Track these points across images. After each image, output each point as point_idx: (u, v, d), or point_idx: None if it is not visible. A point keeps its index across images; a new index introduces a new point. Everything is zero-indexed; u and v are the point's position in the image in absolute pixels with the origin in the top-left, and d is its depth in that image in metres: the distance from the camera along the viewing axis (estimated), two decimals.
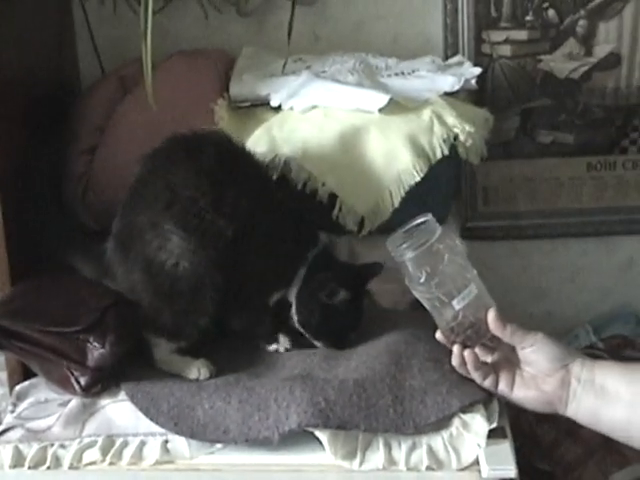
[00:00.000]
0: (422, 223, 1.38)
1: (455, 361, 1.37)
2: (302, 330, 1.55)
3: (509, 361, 1.37)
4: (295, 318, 1.55)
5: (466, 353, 1.36)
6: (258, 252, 1.51)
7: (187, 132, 1.53)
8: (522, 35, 2.02)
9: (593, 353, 1.86)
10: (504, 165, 2.09)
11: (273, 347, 1.56)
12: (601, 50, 2.03)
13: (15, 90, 1.71)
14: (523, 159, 2.09)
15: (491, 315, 1.35)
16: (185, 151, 1.51)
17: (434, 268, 1.35)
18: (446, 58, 1.98)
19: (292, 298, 1.54)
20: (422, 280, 1.36)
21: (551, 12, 2.01)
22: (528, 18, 2.01)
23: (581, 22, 2.01)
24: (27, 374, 1.59)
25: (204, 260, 1.47)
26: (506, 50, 2.03)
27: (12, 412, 1.51)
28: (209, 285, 1.48)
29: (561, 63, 2.03)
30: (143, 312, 1.50)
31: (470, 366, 1.36)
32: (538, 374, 1.34)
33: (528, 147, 2.09)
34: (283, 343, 1.56)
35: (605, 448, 1.68)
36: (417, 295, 1.38)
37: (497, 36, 2.02)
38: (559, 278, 2.17)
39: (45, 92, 1.87)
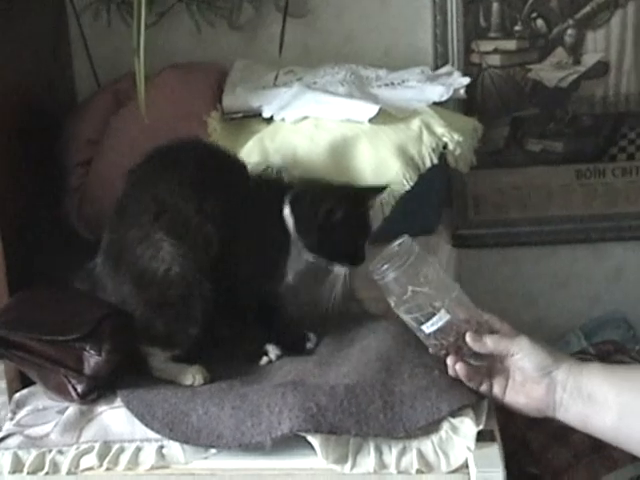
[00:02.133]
0: (400, 244, 1.41)
1: (451, 372, 1.40)
2: (315, 255, 1.56)
3: (503, 366, 1.38)
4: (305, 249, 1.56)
5: (457, 367, 1.38)
6: (246, 246, 1.54)
7: (166, 143, 1.57)
8: (511, 45, 2.05)
9: (584, 358, 1.87)
10: (494, 173, 2.11)
11: (264, 361, 1.58)
12: (589, 59, 2.06)
13: (10, 104, 1.73)
14: (513, 167, 2.12)
15: (468, 338, 1.38)
16: (166, 162, 1.55)
17: (403, 294, 1.39)
18: (436, 68, 2.01)
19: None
20: (392, 305, 1.41)
21: (539, 22, 2.03)
22: (517, 28, 2.04)
23: (569, 31, 2.04)
24: (26, 382, 1.61)
25: (193, 265, 1.50)
26: (495, 60, 2.06)
27: (11, 419, 1.53)
28: (198, 292, 1.51)
29: (550, 72, 2.06)
30: (136, 323, 1.52)
31: (463, 378, 1.38)
32: (526, 380, 1.35)
33: (518, 156, 2.11)
34: (272, 352, 1.58)
35: (594, 451, 1.69)
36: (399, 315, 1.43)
37: (486, 46, 2.05)
38: (550, 285, 2.19)
39: (41, 106, 1.90)
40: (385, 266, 1.39)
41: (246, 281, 1.56)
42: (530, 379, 1.34)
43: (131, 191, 1.56)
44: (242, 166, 1.61)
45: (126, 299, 1.53)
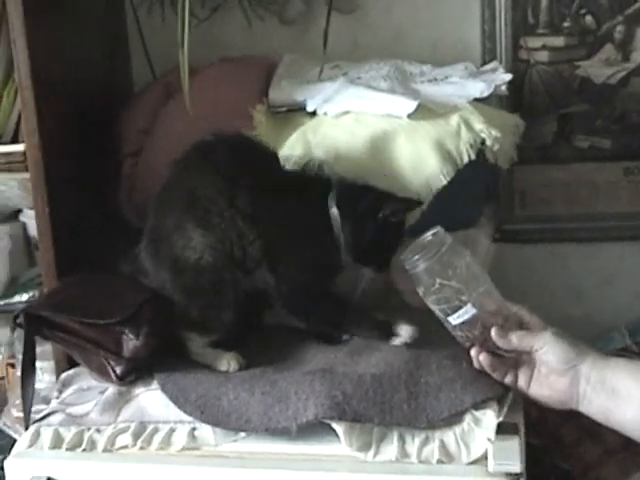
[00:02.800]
0: (433, 234, 1.43)
1: (475, 364, 1.42)
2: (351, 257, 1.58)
3: (529, 358, 1.40)
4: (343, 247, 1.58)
5: (481, 357, 1.40)
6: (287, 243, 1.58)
7: (208, 137, 1.61)
8: (559, 41, 2.04)
9: (626, 355, 1.87)
10: (541, 169, 2.11)
11: (397, 342, 1.54)
12: (639, 55, 2.03)
13: (70, 95, 1.80)
14: (560, 163, 2.11)
15: (493, 334, 1.40)
16: (203, 155, 1.60)
17: (431, 285, 1.41)
18: (484, 64, 2.01)
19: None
20: (421, 294, 1.43)
21: (588, 18, 2.02)
22: (565, 24, 2.03)
23: (619, 28, 2.02)
24: (72, 363, 1.68)
25: (224, 256, 1.54)
26: (543, 56, 2.05)
27: (57, 398, 1.61)
28: (230, 281, 1.55)
29: (598, 69, 2.04)
30: (175, 308, 1.58)
31: (487, 368, 1.40)
32: (550, 373, 1.37)
33: (565, 152, 2.10)
34: (406, 333, 1.54)
35: (625, 448, 1.68)
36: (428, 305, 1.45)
37: (534, 42, 2.04)
38: (596, 281, 2.17)
39: (100, 97, 1.96)
40: (416, 256, 1.41)
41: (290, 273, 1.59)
42: (554, 372, 1.36)
43: (171, 181, 1.61)
44: (279, 162, 1.65)
45: (165, 284, 1.59)
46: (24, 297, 1.90)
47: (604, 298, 2.18)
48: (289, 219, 1.57)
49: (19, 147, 1.66)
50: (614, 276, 2.17)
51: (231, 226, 1.55)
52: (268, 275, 1.58)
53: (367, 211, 1.55)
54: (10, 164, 1.67)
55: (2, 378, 2.08)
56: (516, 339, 1.39)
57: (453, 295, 1.41)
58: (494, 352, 1.41)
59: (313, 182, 1.64)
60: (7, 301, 1.91)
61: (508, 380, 1.40)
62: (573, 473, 1.73)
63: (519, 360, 1.41)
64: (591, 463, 1.72)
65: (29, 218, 2.05)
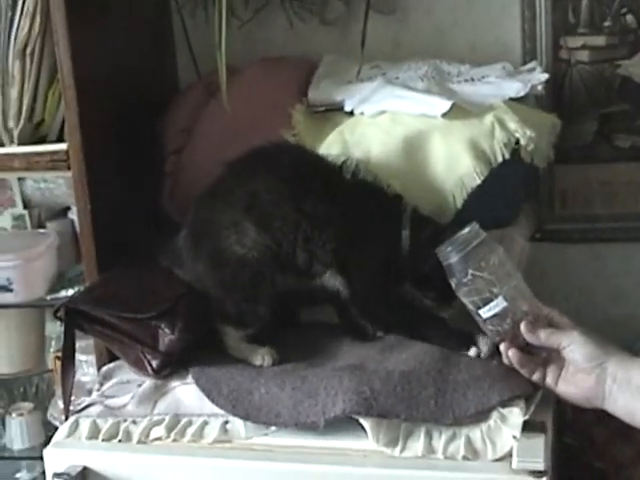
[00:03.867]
0: (468, 231, 1.45)
1: (504, 359, 1.44)
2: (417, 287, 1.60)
3: (559, 356, 1.41)
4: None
5: (510, 353, 1.42)
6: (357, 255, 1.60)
7: (266, 144, 1.65)
8: (600, 41, 2.02)
9: None
10: (582, 168, 2.09)
11: (472, 352, 1.53)
12: None
13: (113, 95, 1.84)
14: (601, 163, 2.09)
15: (523, 328, 1.41)
16: (264, 161, 1.64)
17: (464, 277, 1.43)
18: (524, 64, 2.00)
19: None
20: (453, 286, 1.45)
21: (629, 17, 2.00)
22: (606, 24, 2.01)
23: None
24: (113, 357, 1.72)
25: (272, 255, 1.58)
26: (584, 56, 2.04)
27: (97, 390, 1.65)
28: (269, 279, 1.59)
29: (639, 68, 2.03)
30: (212, 302, 1.61)
31: (515, 364, 1.42)
32: (577, 371, 1.38)
33: (606, 151, 2.09)
34: (483, 345, 1.52)
35: None
36: (459, 298, 1.47)
37: (575, 42, 2.03)
38: (636, 281, 2.15)
39: (145, 97, 1.99)
40: (449, 248, 1.44)
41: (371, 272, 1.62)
42: (581, 370, 1.37)
43: (227, 181, 1.65)
44: (338, 171, 1.67)
45: (201, 277, 1.63)
46: (70, 292, 1.94)
47: None
48: (361, 227, 1.60)
49: (62, 146, 1.71)
50: None
51: (295, 229, 1.58)
52: (339, 279, 1.62)
53: (433, 244, 1.53)
54: (54, 162, 1.71)
55: (51, 370, 2.14)
56: (544, 335, 1.40)
57: (485, 287, 1.42)
58: (523, 349, 1.42)
59: (383, 195, 1.67)
60: (54, 296, 1.96)
61: (536, 377, 1.42)
62: (606, 472, 1.73)
63: (548, 358, 1.42)
64: (624, 463, 1.72)
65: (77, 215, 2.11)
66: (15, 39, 1.74)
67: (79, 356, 1.80)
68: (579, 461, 1.73)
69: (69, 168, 1.70)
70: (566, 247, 2.14)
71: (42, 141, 1.79)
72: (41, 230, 2.15)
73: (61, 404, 1.98)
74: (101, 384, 1.68)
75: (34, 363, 2.18)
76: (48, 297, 1.97)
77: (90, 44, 1.71)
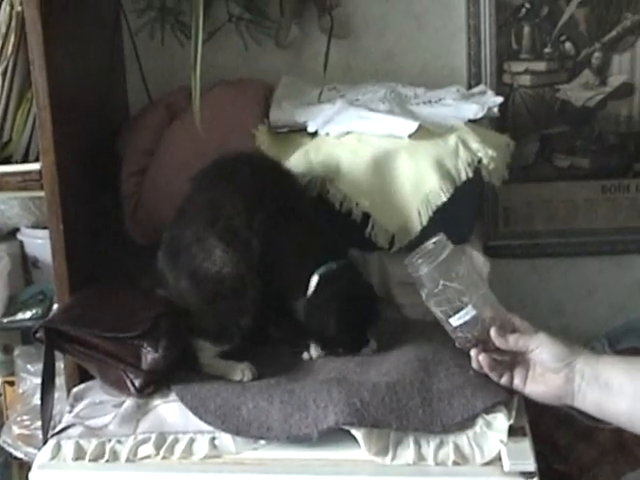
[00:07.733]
0: (435, 242, 1.51)
1: (474, 364, 1.49)
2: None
3: (524, 359, 1.47)
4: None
5: (481, 357, 1.47)
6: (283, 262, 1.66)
7: (228, 154, 1.67)
8: (541, 66, 2.13)
9: None
10: (524, 187, 2.18)
11: (305, 356, 1.67)
12: (615, 80, 2.13)
13: (80, 115, 1.82)
14: (542, 182, 2.19)
15: (492, 334, 1.47)
16: (224, 172, 1.66)
17: (434, 287, 1.49)
18: (469, 87, 2.08)
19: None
20: (424, 297, 1.50)
21: (568, 45, 2.11)
22: (547, 50, 2.12)
23: (596, 54, 2.12)
24: (82, 378, 1.70)
25: (244, 267, 1.60)
26: (526, 80, 2.14)
27: (70, 412, 1.62)
28: (249, 285, 1.61)
29: (577, 92, 2.14)
30: (190, 317, 1.61)
31: (486, 368, 1.47)
32: (546, 371, 1.44)
33: (546, 171, 2.19)
34: (314, 351, 1.67)
35: (618, 450, 1.75)
36: (430, 308, 1.52)
37: (517, 67, 2.13)
38: (576, 294, 2.25)
39: (100, 118, 1.98)
40: (420, 260, 1.49)
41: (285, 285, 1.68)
42: (550, 370, 1.43)
43: (191, 195, 1.67)
44: (298, 183, 1.72)
45: (183, 292, 1.63)
46: (27, 314, 1.91)
47: (583, 310, 2.26)
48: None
49: (35, 166, 1.69)
50: (593, 289, 2.26)
51: (246, 245, 1.61)
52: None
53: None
54: (26, 182, 1.69)
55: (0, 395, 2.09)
56: (513, 339, 1.46)
57: (455, 296, 1.48)
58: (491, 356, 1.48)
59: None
60: (11, 319, 1.92)
61: (504, 380, 1.47)
62: (569, 475, 1.79)
63: (513, 362, 1.48)
64: (586, 465, 1.78)
65: (27, 236, 2.08)
66: None
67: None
68: (541, 464, 1.78)
69: (41, 188, 1.68)
70: (509, 262, 2.23)
71: (7, 161, 1.76)
72: None
73: (17, 429, 1.95)
74: (72, 405, 1.64)
75: None
76: (4, 320, 1.94)
77: (62, 65, 1.70)
